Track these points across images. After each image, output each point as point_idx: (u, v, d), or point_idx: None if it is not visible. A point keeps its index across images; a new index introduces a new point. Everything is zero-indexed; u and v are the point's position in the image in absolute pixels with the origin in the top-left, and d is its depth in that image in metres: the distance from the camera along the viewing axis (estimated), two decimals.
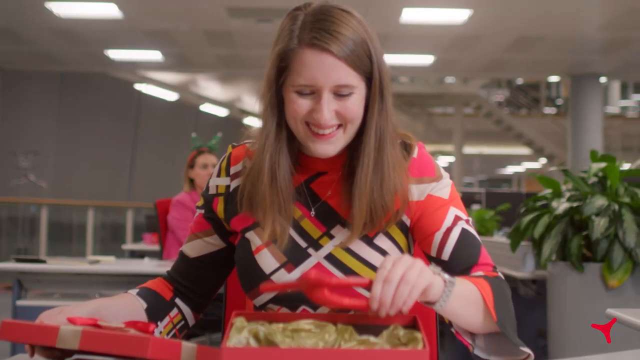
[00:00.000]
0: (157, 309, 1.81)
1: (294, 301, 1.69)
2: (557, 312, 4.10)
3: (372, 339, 1.29)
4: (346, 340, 1.29)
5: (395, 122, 1.75)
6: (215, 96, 18.80)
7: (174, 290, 1.88)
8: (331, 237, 1.73)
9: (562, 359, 1.64)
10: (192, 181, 5.40)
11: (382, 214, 1.70)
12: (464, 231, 1.73)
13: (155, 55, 11.55)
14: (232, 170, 1.84)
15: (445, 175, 1.79)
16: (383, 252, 1.71)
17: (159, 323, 1.80)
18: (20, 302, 4.35)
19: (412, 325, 1.37)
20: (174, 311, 1.85)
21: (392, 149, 1.73)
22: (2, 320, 1.42)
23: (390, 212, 1.71)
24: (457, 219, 1.74)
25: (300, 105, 1.64)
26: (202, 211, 1.88)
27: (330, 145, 1.67)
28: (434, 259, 1.74)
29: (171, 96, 17.40)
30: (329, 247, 1.73)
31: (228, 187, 1.83)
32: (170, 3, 8.92)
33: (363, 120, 1.70)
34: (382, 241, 1.73)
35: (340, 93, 1.64)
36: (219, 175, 1.86)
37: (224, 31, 10.05)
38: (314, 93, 1.64)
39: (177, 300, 1.87)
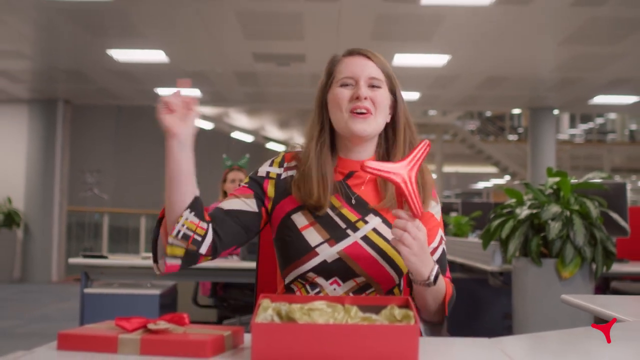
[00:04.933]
0: (198, 208, 1.66)
1: (329, 272, 1.74)
2: (520, 298, 4.08)
3: (373, 316, 1.29)
4: (352, 317, 1.29)
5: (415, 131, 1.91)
6: (243, 125, 18.83)
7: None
8: (366, 222, 1.77)
9: (524, 334, 1.64)
10: (225, 193, 5.41)
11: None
12: (443, 251, 1.85)
13: (194, 93, 11.57)
14: (286, 164, 1.88)
15: (437, 199, 1.91)
16: None
17: (192, 216, 1.64)
18: (87, 290, 4.36)
19: (405, 305, 1.37)
20: (204, 225, 1.67)
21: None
22: (59, 333, 1.26)
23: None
24: (441, 240, 1.85)
25: (343, 93, 1.80)
26: (247, 184, 1.84)
27: (365, 124, 1.78)
28: None
29: (208, 125, 17.43)
30: (364, 230, 1.76)
31: (279, 175, 1.86)
32: (206, 50, 8.95)
33: (393, 127, 1.88)
34: None
35: (372, 84, 1.81)
36: (271, 165, 1.88)
37: (251, 73, 10.08)
38: (353, 85, 1.80)
39: (211, 226, 1.70)
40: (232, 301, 5.05)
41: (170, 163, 1.65)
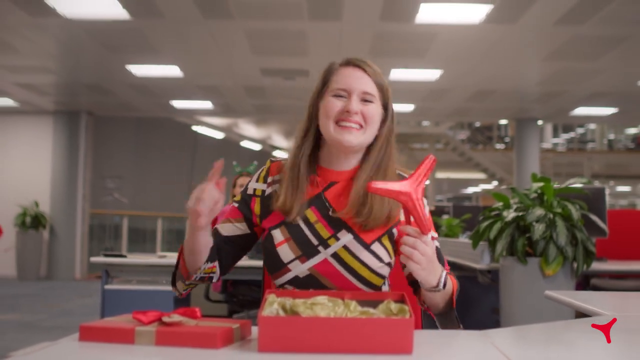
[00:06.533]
0: (211, 255, 1.71)
1: (303, 285, 1.66)
2: (507, 294, 4.08)
3: (371, 310, 1.29)
4: (351, 311, 1.29)
5: (396, 154, 1.79)
6: (251, 135, 18.83)
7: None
8: (337, 239, 1.68)
9: (511, 327, 1.64)
10: (234, 196, 5.40)
11: (381, 214, 1.68)
12: (437, 249, 1.72)
13: (207, 105, 11.58)
14: (269, 179, 1.80)
15: (426, 202, 1.77)
16: (377, 256, 1.68)
17: (207, 264, 1.71)
18: (107, 287, 4.35)
19: (401, 300, 1.37)
20: (214, 264, 1.74)
21: (393, 164, 1.77)
22: (80, 325, 1.28)
23: (391, 216, 1.70)
24: (432, 239, 1.71)
25: (334, 104, 1.70)
26: (237, 205, 1.81)
27: (352, 136, 1.69)
28: None
29: (219, 135, 17.43)
30: (335, 247, 1.67)
31: (264, 191, 1.79)
32: (218, 66, 8.96)
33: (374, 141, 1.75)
34: (377, 247, 1.69)
35: (365, 99, 1.70)
36: (257, 181, 1.82)
37: (258, 86, 10.08)
38: (346, 97, 1.70)
39: (217, 261, 1.76)
40: (241, 296, 5.04)
41: (195, 244, 1.65)
